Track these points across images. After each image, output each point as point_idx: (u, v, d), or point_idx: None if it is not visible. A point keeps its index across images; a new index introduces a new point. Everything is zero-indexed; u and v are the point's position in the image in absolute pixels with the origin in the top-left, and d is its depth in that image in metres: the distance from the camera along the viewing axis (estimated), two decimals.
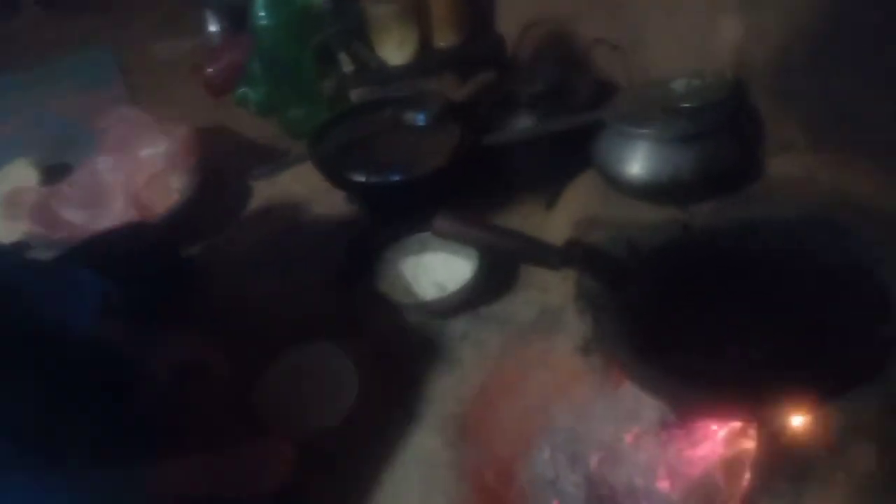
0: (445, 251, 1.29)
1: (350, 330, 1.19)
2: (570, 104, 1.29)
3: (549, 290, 1.18)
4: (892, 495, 0.71)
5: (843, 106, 1.03)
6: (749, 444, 0.91)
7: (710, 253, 1.00)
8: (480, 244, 1.03)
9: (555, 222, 1.25)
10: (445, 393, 1.08)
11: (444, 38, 1.59)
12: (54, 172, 1.78)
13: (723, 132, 1.13)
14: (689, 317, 0.94)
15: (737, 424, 0.87)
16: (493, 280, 1.19)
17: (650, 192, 1.15)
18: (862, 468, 0.73)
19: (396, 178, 1.29)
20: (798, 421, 0.79)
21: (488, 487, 0.99)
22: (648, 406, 1.07)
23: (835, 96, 1.03)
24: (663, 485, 1.00)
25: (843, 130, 1.04)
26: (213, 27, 2.19)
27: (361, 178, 1.32)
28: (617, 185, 1.19)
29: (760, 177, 1.13)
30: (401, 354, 1.13)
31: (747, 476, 0.89)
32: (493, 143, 1.26)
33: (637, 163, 1.16)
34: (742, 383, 0.84)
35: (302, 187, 1.56)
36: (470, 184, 1.30)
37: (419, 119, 1.38)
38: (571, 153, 1.27)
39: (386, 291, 1.23)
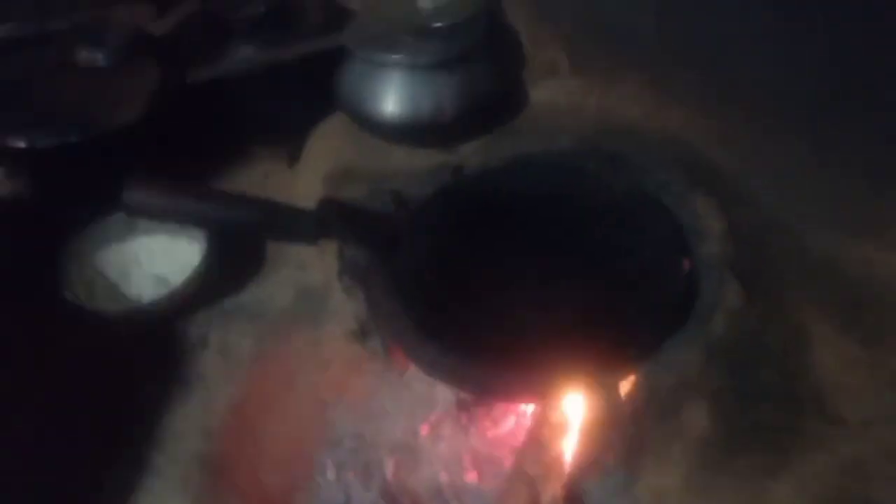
0: (163, 233, 0.97)
1: (30, 362, 0.83)
2: (299, 29, 1.03)
3: (308, 267, 0.94)
4: (734, 459, 0.61)
5: (607, 23, 0.93)
6: (563, 417, 0.78)
7: (486, 198, 0.84)
8: (199, 219, 0.74)
9: (302, 180, 1.00)
10: (185, 427, 0.80)
11: None
12: None
13: (480, 55, 0.97)
14: (473, 277, 0.77)
15: (545, 396, 0.73)
16: (233, 262, 0.91)
17: (409, 132, 0.96)
18: (697, 432, 0.62)
19: (73, 137, 0.92)
20: (615, 386, 0.66)
21: None
22: (441, 387, 0.90)
23: (597, 13, 0.93)
24: (472, 477, 0.85)
25: (607, 51, 0.94)
26: None
27: (21, 142, 0.93)
28: (370, 126, 0.98)
29: (525, 106, 0.99)
30: (112, 386, 0.81)
31: (568, 453, 0.76)
32: (203, 80, 0.96)
33: (391, 98, 0.95)
34: (543, 349, 0.70)
35: None
36: (181, 139, 0.98)
37: (99, 57, 1.01)
38: (311, 92, 1.03)
39: (80, 298, 0.88)
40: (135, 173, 0.70)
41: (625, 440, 0.66)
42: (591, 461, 0.70)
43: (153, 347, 0.88)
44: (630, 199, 0.81)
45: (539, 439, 0.78)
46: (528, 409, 0.88)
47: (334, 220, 0.80)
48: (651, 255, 0.75)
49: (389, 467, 0.86)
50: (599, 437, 0.68)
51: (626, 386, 0.67)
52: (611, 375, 0.66)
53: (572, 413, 0.76)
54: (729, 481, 0.61)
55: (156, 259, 0.98)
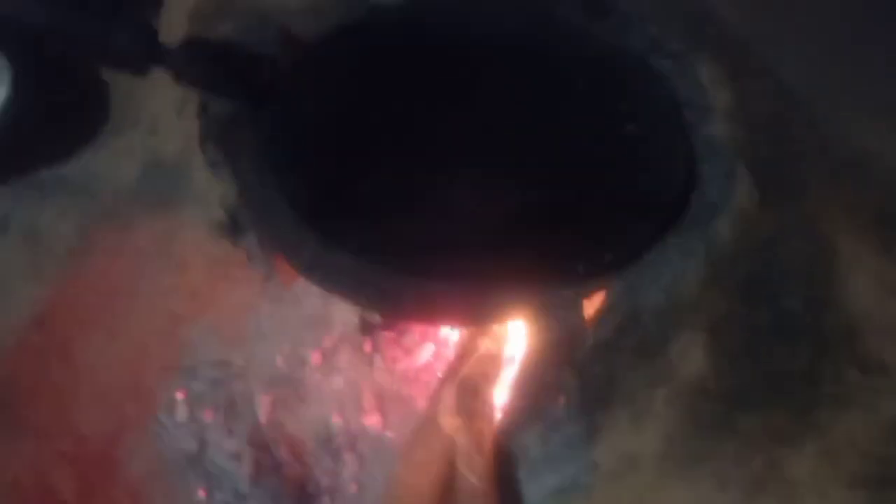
0: None
1: None
2: None
3: (161, 131, 0.69)
4: (738, 416, 0.43)
5: None
6: (499, 346, 0.58)
7: (411, 41, 0.60)
8: None
9: (164, 18, 0.72)
10: None
11: None
12: None
13: None
14: (385, 148, 0.54)
15: (478, 318, 0.52)
16: (56, 117, 0.64)
17: None
18: (690, 377, 0.43)
19: None
20: (577, 306, 0.46)
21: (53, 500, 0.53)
22: (340, 304, 0.69)
23: None
24: (373, 421, 0.65)
25: None
26: None
27: None
28: None
29: None
30: None
31: (501, 395, 0.57)
32: None
33: None
34: (479, 252, 0.48)
35: None
36: None
37: None
38: None
39: None
40: None
41: (584, 381, 0.47)
42: (533, 408, 0.51)
43: None
44: (610, 59, 0.59)
45: (464, 376, 0.58)
46: (453, 335, 0.68)
47: (190, 62, 0.55)
48: (635, 132, 0.54)
49: (263, 406, 0.66)
50: (548, 376, 0.49)
51: (592, 306, 0.46)
52: (571, 290, 0.45)
53: (512, 341, 0.56)
54: (730, 447, 0.43)
55: None
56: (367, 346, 0.72)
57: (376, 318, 0.72)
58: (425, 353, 0.72)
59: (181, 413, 0.64)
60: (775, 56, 0.61)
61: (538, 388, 0.50)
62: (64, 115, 0.73)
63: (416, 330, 0.73)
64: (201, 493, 0.60)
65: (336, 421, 0.67)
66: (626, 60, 0.59)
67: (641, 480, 0.45)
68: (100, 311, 0.64)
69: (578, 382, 0.47)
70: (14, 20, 0.48)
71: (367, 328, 0.73)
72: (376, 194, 0.51)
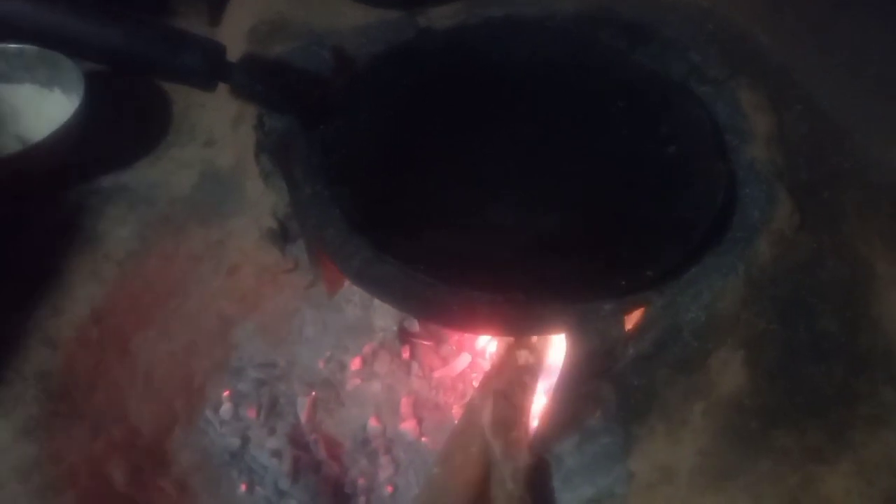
0: (29, 82, 0.74)
1: None
2: None
3: (218, 143, 0.72)
4: (775, 433, 0.44)
5: None
6: (536, 357, 0.59)
7: (461, 66, 0.63)
8: (55, 35, 0.52)
9: (224, 35, 0.76)
10: (26, 333, 0.59)
11: None
12: None
13: None
14: (433, 165, 0.56)
15: (518, 329, 0.54)
16: (121, 129, 0.69)
17: None
18: (728, 392, 0.44)
19: None
20: (618, 320, 0.47)
21: (112, 494, 0.55)
22: (380, 312, 0.72)
23: None
24: (409, 426, 0.67)
25: None
26: None
27: None
28: None
29: None
30: None
31: (537, 406, 0.58)
32: None
33: None
34: (522, 266, 0.50)
35: None
36: None
37: None
38: None
39: None
40: None
41: (622, 394, 0.48)
42: (569, 418, 0.52)
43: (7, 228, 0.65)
44: (652, 84, 0.60)
45: (500, 385, 0.60)
46: (491, 346, 0.70)
47: (251, 79, 0.58)
48: (676, 154, 0.56)
49: (304, 407, 0.68)
50: (585, 388, 0.50)
51: (632, 321, 0.48)
52: (612, 305, 0.47)
53: (551, 353, 0.58)
54: (766, 464, 0.44)
55: (20, 116, 0.74)
56: (406, 354, 0.73)
57: (415, 327, 0.75)
58: (461, 362, 0.74)
59: (226, 411, 0.66)
60: (814, 82, 0.61)
61: (575, 399, 0.52)
62: (127, 127, 0.77)
63: (453, 340, 0.75)
64: (243, 488, 0.62)
65: (373, 424, 0.69)
66: (668, 85, 0.60)
67: (676, 493, 0.46)
68: (154, 311, 0.67)
69: (616, 394, 0.48)
70: (94, 40, 0.51)
71: (405, 337, 0.75)
72: (424, 208, 0.53)
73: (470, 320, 0.48)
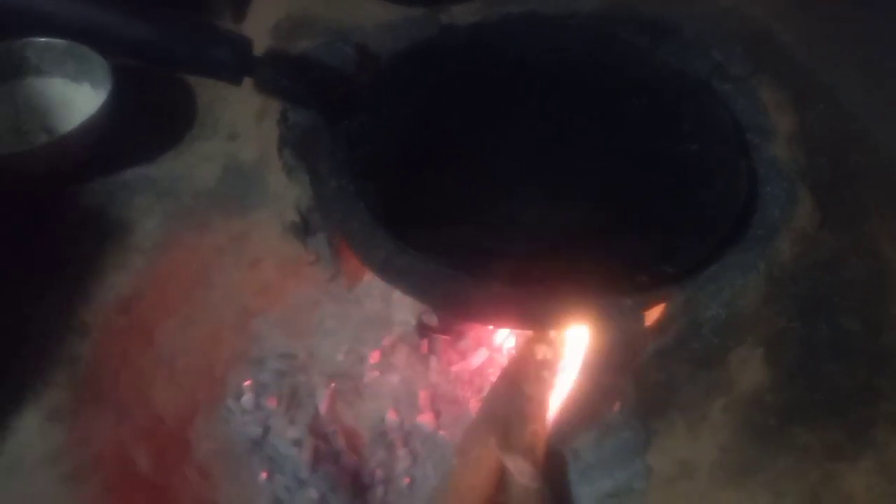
0: (59, 76, 0.75)
1: None
2: None
3: (241, 137, 0.73)
4: (795, 429, 0.44)
5: None
6: (553, 351, 0.60)
7: (482, 62, 0.63)
8: (83, 29, 0.53)
9: (247, 31, 0.77)
10: (53, 320, 0.61)
11: None
12: None
13: None
14: (454, 160, 0.57)
15: (538, 322, 0.54)
16: (147, 123, 0.70)
17: None
18: (748, 388, 0.44)
19: None
20: (638, 314, 0.47)
21: (137, 479, 0.57)
22: (399, 306, 0.72)
23: None
24: (427, 419, 0.67)
25: None
26: None
27: None
28: None
29: None
30: None
31: (555, 399, 0.58)
32: None
33: None
34: (542, 259, 0.50)
35: None
36: None
37: None
38: None
39: None
40: None
41: (642, 388, 0.48)
42: (588, 413, 0.53)
43: (26, 216, 0.67)
44: (674, 81, 0.61)
45: (518, 378, 0.60)
46: (508, 341, 0.70)
47: (276, 74, 0.59)
48: (697, 151, 0.56)
49: (324, 398, 0.69)
50: (604, 382, 0.50)
51: (652, 316, 0.48)
52: (632, 300, 0.47)
53: (570, 347, 0.58)
54: (786, 460, 0.44)
55: (49, 108, 0.76)
56: (424, 348, 0.74)
57: (433, 321, 0.75)
58: (479, 357, 0.74)
59: (247, 400, 0.67)
60: (836, 80, 0.62)
61: (594, 393, 0.52)
62: (152, 121, 0.78)
63: (471, 335, 0.76)
64: (263, 476, 0.63)
65: (391, 417, 0.70)
66: (689, 83, 0.61)
67: (696, 487, 0.46)
68: (178, 302, 0.68)
69: (636, 389, 0.49)
70: (125, 34, 0.52)
71: (423, 331, 0.75)
72: (446, 202, 0.54)
73: (491, 312, 0.49)
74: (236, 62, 0.52)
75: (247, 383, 0.68)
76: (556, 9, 0.67)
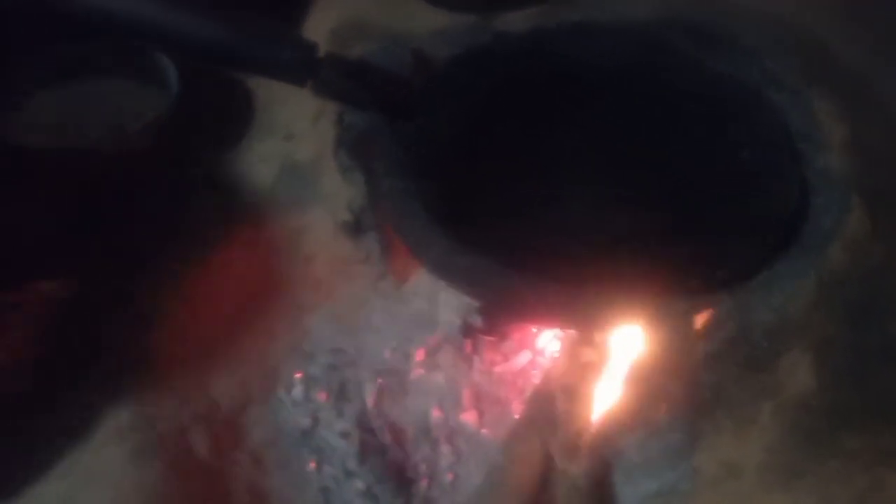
0: (125, 76, 0.79)
1: None
2: None
3: (298, 138, 0.76)
4: (843, 435, 0.44)
5: None
6: (599, 354, 0.61)
7: (536, 68, 0.65)
8: (152, 30, 0.55)
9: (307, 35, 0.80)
10: (118, 313, 0.64)
11: None
12: None
13: None
14: (508, 162, 0.58)
15: (587, 322, 0.56)
16: (208, 120, 0.73)
17: None
18: (797, 393, 0.45)
19: None
20: (688, 318, 0.48)
21: (195, 461, 0.59)
22: (445, 306, 0.74)
23: None
24: (470, 418, 0.69)
25: None
26: None
27: None
28: None
29: None
30: (39, 248, 0.64)
31: (601, 402, 0.59)
32: None
33: None
34: (593, 261, 0.52)
35: None
36: None
37: None
38: None
39: (20, 139, 0.72)
40: None
41: (689, 390, 0.49)
42: (634, 414, 0.53)
43: (94, 212, 0.70)
44: (726, 89, 0.61)
45: (562, 379, 0.61)
46: (551, 345, 0.72)
47: (336, 76, 0.61)
48: (749, 159, 0.57)
49: (371, 393, 0.70)
50: (651, 384, 0.51)
51: (702, 319, 0.49)
52: (683, 303, 0.48)
53: (617, 349, 0.59)
54: (834, 464, 0.44)
55: (114, 108, 0.79)
56: (468, 348, 0.75)
57: (478, 322, 0.77)
58: (522, 359, 0.76)
59: (298, 392, 0.70)
60: (891, 91, 0.62)
61: (641, 395, 0.53)
62: (212, 120, 0.82)
63: (514, 337, 0.77)
64: (312, 465, 0.65)
65: (435, 414, 0.71)
66: (742, 91, 0.61)
67: (742, 489, 0.46)
68: (235, 294, 0.70)
69: (684, 391, 0.49)
70: (196, 36, 0.55)
71: (468, 331, 0.77)
72: (499, 204, 0.55)
73: (543, 311, 0.50)
74: (303, 65, 0.55)
75: (298, 375, 0.70)
76: (610, 16, 0.69)
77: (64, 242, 0.68)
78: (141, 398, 0.60)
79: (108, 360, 0.62)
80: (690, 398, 0.49)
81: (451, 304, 0.77)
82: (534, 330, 0.73)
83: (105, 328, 0.64)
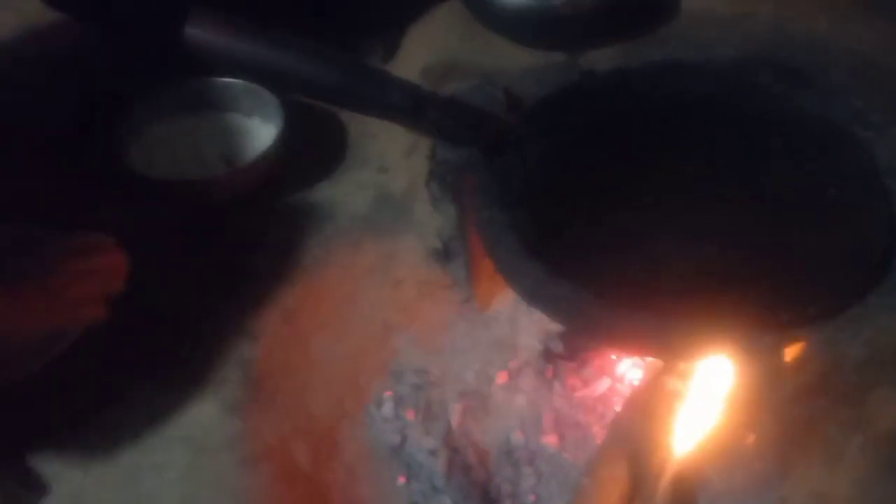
0: (234, 110, 0.86)
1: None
2: None
3: (391, 170, 0.80)
4: None
5: None
6: (683, 384, 0.62)
7: (623, 105, 0.68)
8: (269, 71, 0.61)
9: (398, 73, 0.85)
10: (228, 326, 0.69)
11: None
12: None
13: None
14: (596, 195, 0.61)
15: (675, 353, 0.57)
16: (308, 154, 0.78)
17: (534, 25, 0.80)
18: (887, 427, 0.46)
19: None
20: (779, 351, 0.50)
21: (296, 471, 0.63)
22: (527, 332, 0.76)
23: None
24: (551, 441, 0.71)
25: None
26: None
27: None
28: (488, 14, 0.82)
29: (675, 14, 0.81)
30: (157, 264, 0.70)
31: (689, 430, 0.61)
32: None
33: None
34: (681, 292, 0.54)
35: None
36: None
37: None
38: None
39: (139, 169, 0.78)
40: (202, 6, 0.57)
41: (779, 422, 0.50)
42: (720, 443, 0.55)
43: (202, 234, 0.77)
44: (813, 127, 0.63)
45: (647, 407, 0.63)
46: (631, 372, 0.73)
47: (431, 113, 0.66)
48: (836, 195, 0.58)
49: (456, 413, 0.73)
50: (739, 414, 0.53)
51: (793, 353, 0.50)
52: (774, 336, 0.50)
53: (703, 380, 0.61)
54: None
55: (224, 138, 0.86)
56: (549, 373, 0.78)
57: (559, 347, 0.79)
58: (602, 385, 0.77)
59: (387, 409, 0.73)
60: None
61: (727, 425, 0.54)
62: (311, 151, 0.88)
63: (594, 363, 0.79)
64: (401, 480, 0.68)
65: (517, 436, 0.73)
66: (829, 129, 0.63)
67: None
68: (331, 314, 0.75)
69: (773, 423, 0.51)
70: (314, 79, 0.61)
71: (549, 356, 0.79)
72: (590, 236, 0.58)
73: (633, 340, 0.53)
74: (410, 106, 0.60)
75: (387, 393, 0.74)
76: (695, 54, 0.71)
77: (175, 262, 0.75)
78: (247, 411, 0.65)
79: (212, 374, 0.67)
80: (778, 430, 0.50)
81: (531, 329, 0.79)
82: (614, 357, 0.75)
83: (215, 342, 0.70)
